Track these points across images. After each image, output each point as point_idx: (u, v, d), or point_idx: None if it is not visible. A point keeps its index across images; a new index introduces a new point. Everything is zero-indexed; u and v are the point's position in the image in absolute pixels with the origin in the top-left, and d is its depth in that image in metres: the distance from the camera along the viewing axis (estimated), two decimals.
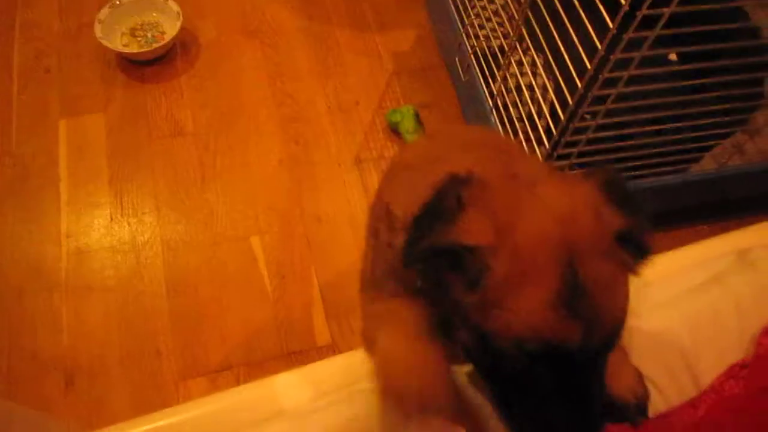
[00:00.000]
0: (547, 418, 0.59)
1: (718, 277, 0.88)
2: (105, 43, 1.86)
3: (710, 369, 0.80)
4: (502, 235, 0.56)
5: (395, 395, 0.67)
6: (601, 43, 1.00)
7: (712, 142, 1.45)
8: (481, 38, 1.66)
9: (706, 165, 1.55)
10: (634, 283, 0.83)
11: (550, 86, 1.39)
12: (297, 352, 1.51)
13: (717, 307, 0.83)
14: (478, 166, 0.63)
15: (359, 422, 0.76)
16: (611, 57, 1.01)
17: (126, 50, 1.90)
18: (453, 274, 0.58)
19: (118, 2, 1.93)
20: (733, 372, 0.79)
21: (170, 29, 1.94)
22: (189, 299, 1.57)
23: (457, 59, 1.75)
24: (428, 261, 0.60)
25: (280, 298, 1.58)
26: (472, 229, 0.56)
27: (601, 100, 1.13)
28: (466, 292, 0.57)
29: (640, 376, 0.75)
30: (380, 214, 0.78)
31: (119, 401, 1.42)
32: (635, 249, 0.61)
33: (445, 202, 0.58)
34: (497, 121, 1.54)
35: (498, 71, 1.50)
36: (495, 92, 1.53)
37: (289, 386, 0.88)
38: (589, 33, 1.04)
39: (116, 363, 1.47)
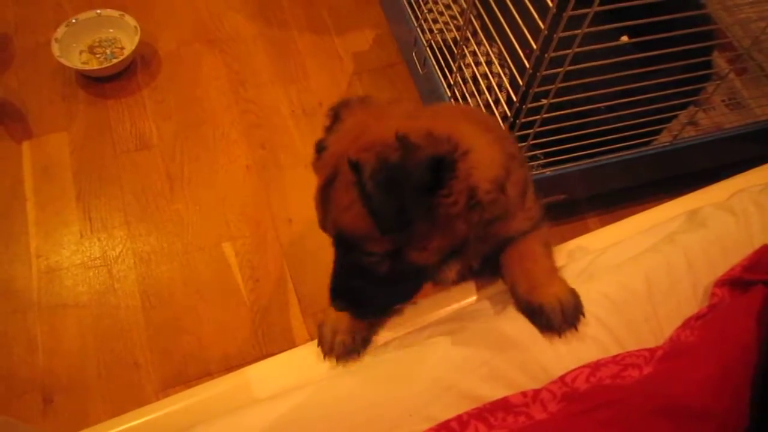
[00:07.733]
0: None
1: (669, 236, 0.91)
2: (63, 61, 1.85)
3: (668, 322, 0.82)
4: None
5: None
6: (543, 23, 1.03)
7: (668, 114, 1.49)
8: (435, 32, 1.69)
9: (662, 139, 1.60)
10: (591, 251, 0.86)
11: (504, 75, 1.42)
12: (276, 354, 1.51)
13: (670, 263, 0.86)
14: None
15: (328, 407, 0.78)
16: (554, 36, 1.04)
17: (86, 68, 1.90)
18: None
19: (74, 20, 1.93)
20: (688, 324, 0.81)
21: (129, 44, 1.94)
22: (164, 310, 1.57)
23: (414, 54, 1.78)
24: None
25: (255, 301, 1.59)
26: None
27: (552, 79, 1.16)
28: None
29: (573, 294, 0.83)
30: None
31: (100, 416, 1.41)
32: None
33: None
34: None
35: (454, 63, 1.53)
36: (452, 83, 1.56)
37: (261, 376, 0.89)
38: (533, 16, 1.07)
39: (95, 378, 1.46)
